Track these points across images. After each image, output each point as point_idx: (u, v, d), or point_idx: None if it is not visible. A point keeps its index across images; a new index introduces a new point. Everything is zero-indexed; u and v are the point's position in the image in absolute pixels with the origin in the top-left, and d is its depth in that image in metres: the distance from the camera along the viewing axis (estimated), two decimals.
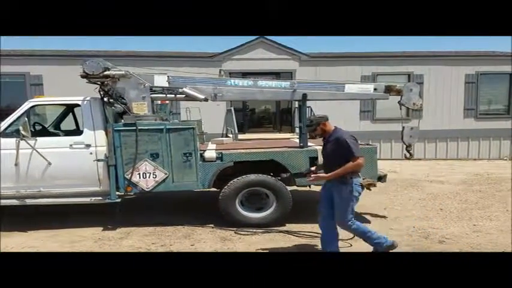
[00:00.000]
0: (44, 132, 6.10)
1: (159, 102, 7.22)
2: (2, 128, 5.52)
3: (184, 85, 5.94)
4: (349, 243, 4.81)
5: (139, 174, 5.55)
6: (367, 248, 4.35)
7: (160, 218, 6.16)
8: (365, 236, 4.22)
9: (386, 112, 12.56)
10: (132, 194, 5.80)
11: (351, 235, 4.61)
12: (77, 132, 6.02)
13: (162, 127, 5.56)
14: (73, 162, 5.53)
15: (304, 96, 5.98)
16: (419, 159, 13.02)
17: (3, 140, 5.47)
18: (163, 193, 5.89)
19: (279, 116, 13.65)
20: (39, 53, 12.73)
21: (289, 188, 5.81)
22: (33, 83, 12.06)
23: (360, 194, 4.12)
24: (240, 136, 9.86)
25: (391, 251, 4.21)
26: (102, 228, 5.75)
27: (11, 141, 5.44)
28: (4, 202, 5.51)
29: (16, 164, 5.43)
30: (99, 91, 5.70)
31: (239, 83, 6.14)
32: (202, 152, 5.72)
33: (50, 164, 5.47)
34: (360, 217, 6.27)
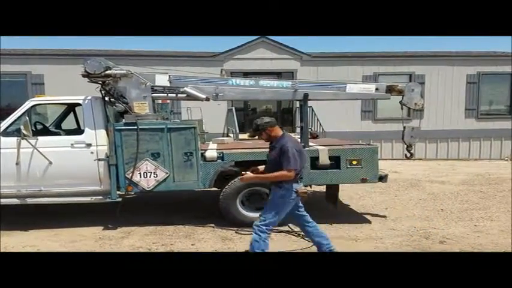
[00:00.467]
0: (45, 132, 6.10)
1: (160, 101, 7.23)
2: (3, 127, 5.52)
3: (185, 84, 5.93)
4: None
5: (140, 173, 5.55)
6: (368, 248, 4.35)
7: (161, 217, 6.16)
8: (254, 247, 3.97)
9: (388, 112, 12.58)
10: (133, 193, 5.80)
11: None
12: (78, 131, 6.02)
13: (163, 127, 5.56)
14: (74, 161, 5.53)
15: (306, 96, 5.97)
16: (420, 159, 13.02)
17: (4, 139, 5.48)
18: (164, 193, 5.90)
19: (280, 116, 13.64)
20: (41, 53, 12.75)
21: None
22: (34, 82, 12.08)
23: (293, 200, 3.97)
24: (241, 136, 9.85)
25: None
26: (102, 227, 5.76)
27: (12, 141, 5.45)
28: (5, 201, 5.52)
29: (17, 163, 5.43)
30: (101, 90, 5.70)
31: (240, 83, 6.13)
32: (203, 151, 5.72)
33: (51, 163, 5.47)
34: (360, 217, 6.28)
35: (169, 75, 5.95)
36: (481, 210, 6.61)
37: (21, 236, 5.40)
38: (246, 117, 13.27)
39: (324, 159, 5.61)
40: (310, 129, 7.90)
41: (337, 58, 13.45)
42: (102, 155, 5.54)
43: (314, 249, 4.79)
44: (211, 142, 7.26)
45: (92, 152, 5.55)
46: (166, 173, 5.57)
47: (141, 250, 4.87)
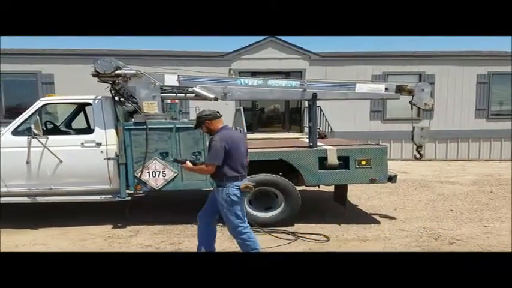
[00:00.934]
0: (56, 131, 6.16)
1: (168, 101, 7.26)
2: (14, 126, 5.59)
3: (194, 84, 5.95)
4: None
5: (149, 172, 5.59)
6: (377, 248, 4.33)
7: (169, 216, 6.19)
8: (248, 249, 3.96)
9: (397, 112, 12.47)
10: (141, 192, 5.84)
11: None
12: (88, 130, 6.07)
13: (171, 126, 5.58)
14: (84, 160, 5.58)
15: (315, 95, 5.95)
16: (430, 160, 12.92)
17: (15, 138, 5.54)
18: (172, 192, 5.92)
19: (288, 116, 13.61)
20: (51, 52, 12.84)
21: (298, 188, 5.80)
22: (44, 82, 12.17)
23: (238, 198, 3.89)
24: (249, 135, 9.84)
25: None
26: (112, 226, 5.80)
27: (22, 139, 5.51)
28: (15, 200, 5.59)
29: (28, 162, 5.49)
30: (110, 90, 5.75)
31: (249, 83, 6.13)
32: None
33: (61, 162, 5.52)
34: (369, 217, 6.26)
35: (178, 75, 5.97)
36: (491, 211, 6.55)
37: (32, 234, 5.46)
38: (254, 117, 13.26)
39: (333, 159, 5.59)
40: (318, 129, 7.87)
41: (346, 58, 13.37)
42: (112, 154, 5.58)
43: (322, 248, 4.79)
44: None
45: (101, 151, 5.59)
46: (175, 172, 5.60)
47: (149, 249, 4.90)
